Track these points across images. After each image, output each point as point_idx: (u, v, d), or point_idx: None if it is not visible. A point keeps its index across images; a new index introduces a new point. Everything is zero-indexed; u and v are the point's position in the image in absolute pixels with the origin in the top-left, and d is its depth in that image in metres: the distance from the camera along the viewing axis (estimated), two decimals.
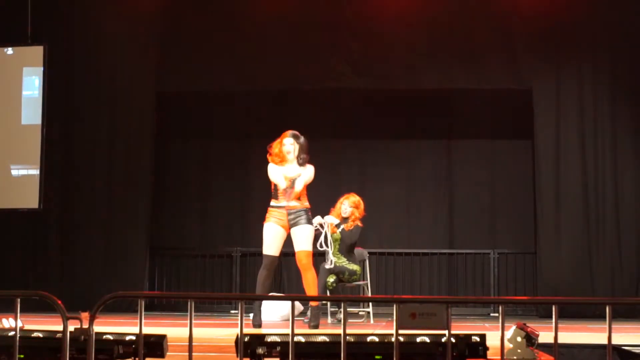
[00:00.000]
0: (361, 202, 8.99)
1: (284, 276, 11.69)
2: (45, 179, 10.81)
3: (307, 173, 7.74)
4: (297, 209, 7.66)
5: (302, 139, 7.85)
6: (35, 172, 10.78)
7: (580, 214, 10.53)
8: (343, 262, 8.83)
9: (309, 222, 7.74)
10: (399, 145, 11.79)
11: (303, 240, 7.67)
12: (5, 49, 11.00)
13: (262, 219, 11.60)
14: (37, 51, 10.86)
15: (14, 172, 10.92)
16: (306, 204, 7.72)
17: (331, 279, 8.69)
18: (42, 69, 10.82)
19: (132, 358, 4.13)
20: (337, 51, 10.82)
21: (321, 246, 8.59)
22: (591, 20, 10.59)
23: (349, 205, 8.93)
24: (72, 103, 11.17)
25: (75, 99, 11.16)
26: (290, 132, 7.88)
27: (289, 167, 7.75)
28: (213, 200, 11.83)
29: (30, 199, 10.78)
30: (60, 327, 3.83)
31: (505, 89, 10.92)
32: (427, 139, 11.81)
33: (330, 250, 8.62)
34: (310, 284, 7.69)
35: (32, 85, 10.90)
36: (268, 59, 10.83)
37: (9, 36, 11.05)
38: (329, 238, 8.60)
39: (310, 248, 7.71)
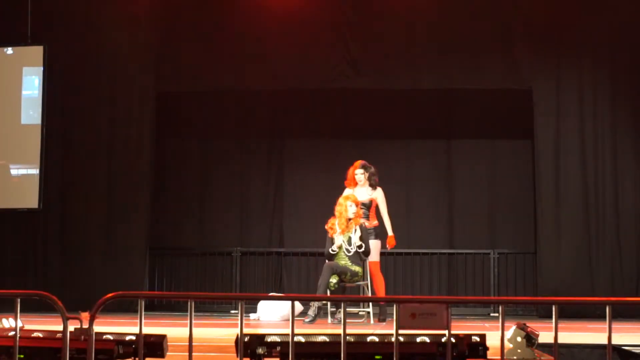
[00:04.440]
0: (355, 197, 9.07)
1: (284, 276, 11.70)
2: (45, 178, 10.81)
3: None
4: None
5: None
6: (35, 171, 10.79)
7: (580, 214, 10.52)
8: (347, 263, 8.84)
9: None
10: (398, 145, 11.79)
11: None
12: (5, 49, 11.01)
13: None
14: (37, 51, 10.86)
15: (14, 172, 10.92)
16: None
17: (334, 279, 8.70)
18: (41, 68, 10.83)
19: (132, 358, 4.13)
20: (337, 51, 10.81)
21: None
22: (591, 20, 10.59)
23: (355, 206, 8.98)
24: (72, 103, 11.16)
25: (75, 99, 11.16)
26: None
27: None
28: (213, 200, 11.83)
29: (30, 199, 10.78)
30: (60, 327, 3.83)
31: (505, 89, 10.92)
32: (427, 139, 11.81)
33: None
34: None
35: (31, 85, 10.90)
36: (268, 59, 10.83)
37: (9, 36, 11.05)
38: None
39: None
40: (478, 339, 4.03)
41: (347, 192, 9.24)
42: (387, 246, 9.30)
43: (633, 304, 9.16)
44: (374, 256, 9.09)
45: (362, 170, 9.22)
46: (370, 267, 9.11)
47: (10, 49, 11.01)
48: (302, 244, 11.31)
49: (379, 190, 9.27)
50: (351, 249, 8.85)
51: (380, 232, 9.25)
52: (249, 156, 11.91)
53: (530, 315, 10.51)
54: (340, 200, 9.05)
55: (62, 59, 11.07)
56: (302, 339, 4.12)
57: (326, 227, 9.01)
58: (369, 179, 9.23)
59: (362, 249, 8.85)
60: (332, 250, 8.89)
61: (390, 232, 9.26)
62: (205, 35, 10.91)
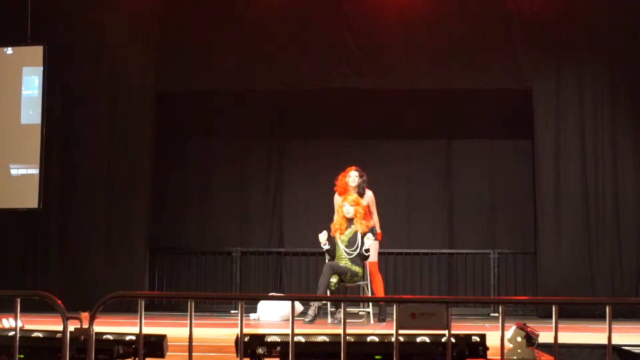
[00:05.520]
0: (359, 198, 9.09)
1: (283, 276, 11.70)
2: (45, 178, 10.80)
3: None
4: None
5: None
6: (35, 171, 10.78)
7: (580, 214, 10.52)
8: (347, 263, 8.85)
9: None
10: (399, 145, 11.79)
11: None
12: (5, 49, 11.00)
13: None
14: (37, 51, 10.85)
15: (14, 172, 10.92)
16: None
17: (334, 279, 8.71)
18: (41, 68, 10.81)
19: (132, 358, 4.13)
20: (337, 51, 10.82)
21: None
22: (591, 20, 10.59)
23: (350, 205, 8.98)
24: (72, 103, 11.16)
25: (75, 99, 11.15)
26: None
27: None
28: (213, 199, 11.83)
29: (29, 199, 10.77)
30: (60, 327, 3.83)
31: (505, 89, 10.92)
32: (427, 139, 11.80)
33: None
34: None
35: (31, 84, 10.90)
36: (268, 59, 10.83)
37: (9, 36, 11.04)
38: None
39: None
40: (478, 339, 4.03)
41: (337, 199, 9.31)
42: (377, 238, 9.30)
43: (633, 304, 9.17)
44: (373, 256, 9.09)
45: (356, 174, 9.29)
46: (369, 268, 9.11)
47: (10, 49, 10.99)
48: (302, 244, 11.31)
49: (370, 193, 9.33)
50: (350, 252, 8.86)
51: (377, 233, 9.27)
52: (249, 156, 11.90)
53: (530, 315, 10.50)
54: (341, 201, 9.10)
55: (62, 59, 11.06)
56: (302, 339, 4.11)
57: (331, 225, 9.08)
58: (360, 185, 9.28)
59: (364, 253, 8.87)
60: (323, 247, 8.93)
61: (378, 230, 9.33)
62: (205, 35, 10.90)
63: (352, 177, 9.28)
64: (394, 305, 3.71)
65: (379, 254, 9.47)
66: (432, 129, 11.77)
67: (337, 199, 9.33)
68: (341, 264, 8.85)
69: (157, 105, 11.16)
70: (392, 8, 10.67)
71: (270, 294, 10.73)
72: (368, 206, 9.28)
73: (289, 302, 3.84)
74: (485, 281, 11.29)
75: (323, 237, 8.92)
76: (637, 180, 10.58)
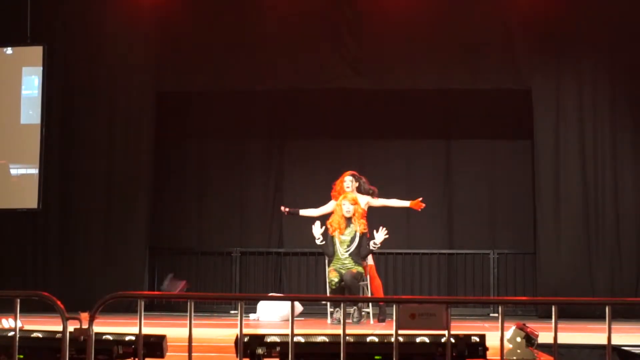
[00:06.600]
0: (357, 197, 9.08)
1: (283, 276, 11.70)
2: (45, 178, 10.80)
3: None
4: None
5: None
6: (35, 171, 10.78)
7: (580, 214, 10.52)
8: (349, 262, 8.84)
9: None
10: (398, 145, 11.79)
11: None
12: (5, 49, 11.00)
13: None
14: (37, 51, 10.85)
15: (13, 172, 10.92)
16: None
17: (335, 278, 8.69)
18: (41, 68, 10.82)
19: (132, 358, 4.13)
20: (337, 51, 10.82)
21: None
22: (591, 20, 10.59)
23: (350, 204, 8.97)
24: (72, 103, 11.16)
25: (74, 98, 11.16)
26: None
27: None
28: (212, 199, 11.83)
29: (29, 199, 10.77)
30: (59, 328, 3.83)
31: (505, 89, 10.92)
32: (427, 139, 11.80)
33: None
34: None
35: (31, 84, 10.90)
36: (268, 59, 10.83)
37: (8, 36, 11.04)
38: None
39: None
40: (477, 339, 4.03)
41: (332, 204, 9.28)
42: (418, 207, 9.30)
43: (633, 304, 9.16)
44: (369, 259, 9.10)
45: (350, 178, 9.22)
46: (369, 271, 9.11)
47: (10, 49, 11.00)
48: (302, 244, 11.30)
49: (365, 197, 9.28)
50: (349, 251, 8.84)
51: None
52: (249, 156, 11.90)
53: (530, 315, 10.50)
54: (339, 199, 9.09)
55: (62, 59, 11.07)
56: (302, 339, 4.12)
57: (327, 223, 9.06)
58: (360, 188, 9.24)
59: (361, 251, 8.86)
60: (317, 241, 8.90)
61: (408, 203, 9.35)
62: (206, 35, 10.90)
63: (347, 182, 9.22)
64: (394, 306, 3.72)
65: (379, 254, 9.45)
66: (432, 129, 11.77)
67: (332, 204, 9.28)
68: (344, 263, 8.83)
69: (157, 105, 11.16)
70: (392, 8, 10.66)
71: (270, 294, 10.73)
72: (366, 210, 9.24)
73: (289, 302, 3.84)
74: (485, 281, 11.29)
75: (317, 230, 8.90)
76: (637, 180, 10.58)
